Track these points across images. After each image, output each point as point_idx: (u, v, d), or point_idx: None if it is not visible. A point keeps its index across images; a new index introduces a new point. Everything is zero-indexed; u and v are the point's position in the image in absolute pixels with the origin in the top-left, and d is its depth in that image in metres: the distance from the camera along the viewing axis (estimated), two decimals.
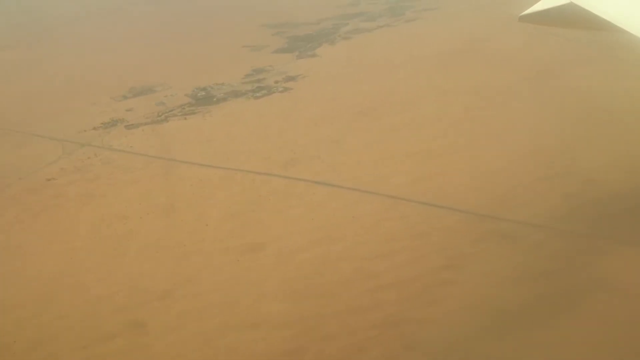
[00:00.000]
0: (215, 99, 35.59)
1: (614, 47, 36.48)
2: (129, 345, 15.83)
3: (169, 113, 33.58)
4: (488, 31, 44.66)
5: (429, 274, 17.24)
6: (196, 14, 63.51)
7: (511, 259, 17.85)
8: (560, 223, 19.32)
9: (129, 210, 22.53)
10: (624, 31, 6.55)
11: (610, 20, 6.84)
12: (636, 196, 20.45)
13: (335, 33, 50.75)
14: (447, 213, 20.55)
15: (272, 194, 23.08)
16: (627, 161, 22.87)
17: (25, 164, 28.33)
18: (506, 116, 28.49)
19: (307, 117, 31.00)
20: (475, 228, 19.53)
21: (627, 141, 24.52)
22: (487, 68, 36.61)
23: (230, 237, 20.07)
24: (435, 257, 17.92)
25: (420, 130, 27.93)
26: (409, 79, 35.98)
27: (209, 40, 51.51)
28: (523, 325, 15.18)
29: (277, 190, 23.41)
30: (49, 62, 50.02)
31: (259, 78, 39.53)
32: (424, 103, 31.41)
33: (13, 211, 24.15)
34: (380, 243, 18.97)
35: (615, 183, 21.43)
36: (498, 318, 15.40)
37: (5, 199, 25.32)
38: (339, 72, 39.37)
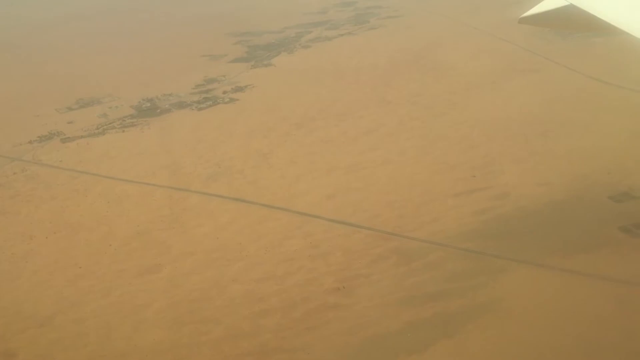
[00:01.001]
0: (158, 111, 35.14)
1: (568, 55, 36.19)
2: None
3: (108, 126, 33.13)
4: (443, 40, 44.17)
5: (317, 297, 16.73)
6: (162, 24, 63.30)
7: (404, 280, 17.32)
8: (463, 241, 18.80)
9: (37, 229, 22.06)
10: (623, 32, 6.57)
11: (609, 22, 6.85)
12: (545, 212, 19.95)
13: (297, 42, 50.37)
14: (352, 231, 20.05)
15: (186, 211, 22.61)
16: (545, 175, 22.38)
17: None
18: (439, 128, 27.97)
19: (244, 130, 30.53)
20: (377, 247, 19.00)
21: (549, 154, 24.08)
22: (432, 77, 36.15)
23: (129, 258, 19.60)
24: (328, 279, 17.42)
25: (351, 143, 27.44)
26: (354, 88, 35.52)
27: (168, 50, 51.15)
28: (398, 351, 14.68)
29: (192, 207, 22.94)
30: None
31: (209, 88, 39.12)
32: (362, 114, 30.94)
33: None
34: (278, 264, 18.48)
35: (529, 198, 20.93)
36: (373, 344, 14.88)
37: None
38: (288, 82, 38.98)
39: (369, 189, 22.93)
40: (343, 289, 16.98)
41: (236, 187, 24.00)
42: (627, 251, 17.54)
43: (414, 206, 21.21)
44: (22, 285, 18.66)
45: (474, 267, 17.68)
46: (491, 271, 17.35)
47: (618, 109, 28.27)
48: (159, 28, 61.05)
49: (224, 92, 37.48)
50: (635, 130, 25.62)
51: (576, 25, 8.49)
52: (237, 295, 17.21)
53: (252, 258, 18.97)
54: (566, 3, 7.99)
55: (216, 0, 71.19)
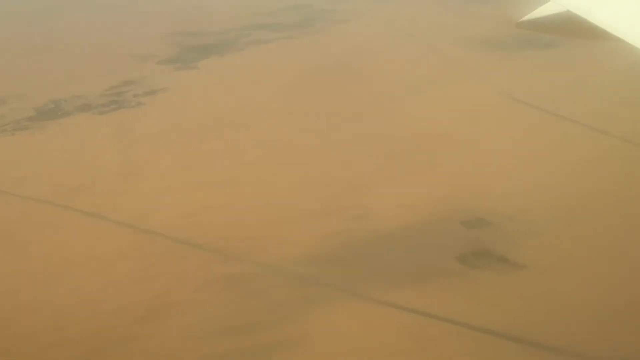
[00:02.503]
0: (60, 113, 33.80)
1: (497, 68, 35.48)
2: None
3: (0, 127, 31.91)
4: (377, 48, 43.11)
5: (120, 327, 15.65)
6: (98, 23, 61.28)
7: (223, 308, 16.29)
8: (302, 266, 17.80)
9: None
10: (621, 40, 6.52)
11: (607, 30, 6.81)
12: (397, 237, 19.02)
13: (233, 44, 49.13)
14: (193, 252, 18.98)
15: (34, 225, 21.48)
16: (413, 196, 21.46)
17: None
18: (329, 142, 26.93)
19: (134, 137, 29.32)
20: (211, 271, 17.96)
21: (427, 174, 23.15)
22: (350, 87, 35.05)
23: None
24: (139, 307, 16.34)
25: (234, 156, 26.31)
26: (265, 96, 34.40)
27: (96, 49, 49.54)
28: None
29: (43, 221, 21.79)
30: None
31: (122, 91, 37.78)
32: (260, 124, 29.84)
33: None
34: (98, 289, 17.37)
35: (387, 220, 19.94)
36: None
37: None
38: (202, 86, 37.80)
39: (231, 207, 21.84)
40: (151, 319, 15.97)
41: (95, 201, 22.76)
42: (454, 283, 16.64)
43: (267, 227, 20.17)
44: None
45: (299, 296, 16.67)
46: (313, 301, 16.33)
47: (518, 127, 27.57)
48: (93, 27, 59.30)
49: (135, 96, 36.23)
50: (524, 151, 24.88)
51: (574, 32, 8.35)
52: (38, 324, 16.08)
53: (74, 282, 17.81)
54: (564, 9, 8.05)
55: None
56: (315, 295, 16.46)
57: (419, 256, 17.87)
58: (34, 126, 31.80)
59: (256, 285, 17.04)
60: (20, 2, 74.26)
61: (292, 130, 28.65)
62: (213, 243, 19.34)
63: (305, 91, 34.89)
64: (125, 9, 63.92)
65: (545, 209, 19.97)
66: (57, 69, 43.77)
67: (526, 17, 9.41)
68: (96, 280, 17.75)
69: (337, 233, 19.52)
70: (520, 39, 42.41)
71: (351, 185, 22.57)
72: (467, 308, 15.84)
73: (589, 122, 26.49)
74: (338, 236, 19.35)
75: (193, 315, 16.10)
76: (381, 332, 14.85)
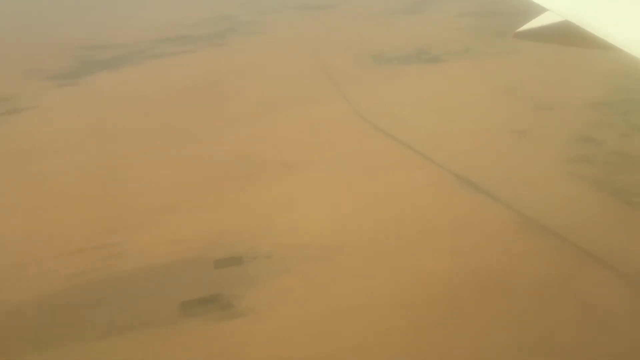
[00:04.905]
0: None
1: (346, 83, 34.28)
2: None
3: None
4: (261, 64, 41.96)
5: None
6: (4, 32, 59.58)
7: None
8: (19, 315, 16.49)
9: None
10: (619, 50, 6.59)
11: (605, 39, 6.86)
12: (140, 277, 17.69)
13: (133, 58, 47.64)
14: None
15: None
16: (190, 229, 20.08)
17: None
18: (142, 167, 25.69)
19: None
20: None
21: (222, 204, 21.85)
22: (206, 106, 33.67)
23: None
24: None
25: (36, 186, 24.96)
26: (117, 117, 33.02)
27: None
28: None
29: None
30: None
31: None
32: (89, 148, 28.51)
33: None
34: None
35: (144, 258, 18.57)
36: None
37: None
38: (68, 106, 36.23)
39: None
40: None
41: None
42: (163, 333, 15.33)
43: (13, 266, 18.87)
44: None
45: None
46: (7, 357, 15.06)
47: (349, 153, 26.19)
48: None
49: None
50: (340, 180, 23.47)
51: (572, 42, 8.49)
52: None
53: None
54: (562, 19, 8.05)
55: (78, 9, 67.84)
56: (13, 348, 15.10)
57: (146, 302, 16.57)
58: None
59: None
60: None
61: (120, 153, 27.37)
62: None
63: (168, 111, 33.70)
64: (35, 19, 62.55)
65: (316, 246, 18.65)
66: None
67: (524, 27, 9.46)
68: None
69: (82, 273, 18.21)
70: (411, 54, 41.52)
71: (126, 217, 21.21)
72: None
73: (420, 148, 25.27)
74: (81, 276, 18.02)
75: None
76: None
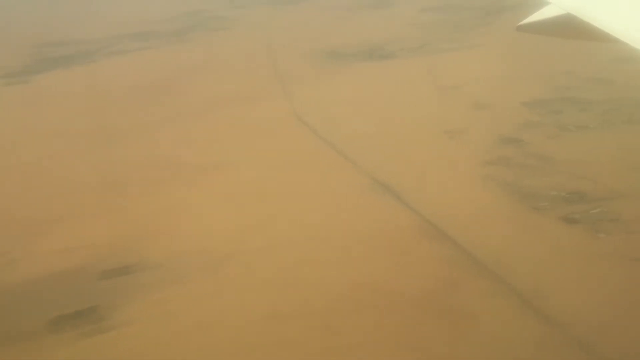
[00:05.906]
0: None
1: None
2: None
3: None
4: (214, 61, 41.35)
5: None
6: None
7: None
8: None
9: None
10: (622, 42, 6.57)
11: (608, 32, 6.86)
12: (22, 289, 17.15)
13: (91, 55, 46.84)
14: None
15: None
16: (85, 237, 19.45)
17: None
18: (56, 169, 25.24)
19: None
20: None
21: (128, 211, 21.28)
22: (146, 107, 32.87)
23: None
24: None
25: None
26: (59, 117, 32.40)
27: None
28: None
29: None
30: None
31: None
32: (6, 151, 28.07)
33: None
34: None
35: (30, 268, 18.00)
36: None
37: None
38: (12, 106, 35.94)
39: None
40: None
41: None
42: (29, 348, 14.76)
43: None
44: None
45: None
46: None
47: (274, 156, 25.46)
48: None
49: None
50: (260, 184, 22.74)
51: (575, 35, 8.47)
52: None
53: None
54: (564, 12, 8.09)
55: (40, 4, 66.98)
56: None
57: (16, 316, 15.98)
58: None
59: None
60: None
61: (47, 154, 26.80)
62: None
63: (109, 110, 33.04)
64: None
65: (209, 255, 17.93)
66: None
67: (526, 20, 9.44)
68: None
69: None
70: (366, 50, 40.73)
71: (36, 222, 20.66)
72: None
73: (344, 150, 24.58)
74: None
75: None
76: None
